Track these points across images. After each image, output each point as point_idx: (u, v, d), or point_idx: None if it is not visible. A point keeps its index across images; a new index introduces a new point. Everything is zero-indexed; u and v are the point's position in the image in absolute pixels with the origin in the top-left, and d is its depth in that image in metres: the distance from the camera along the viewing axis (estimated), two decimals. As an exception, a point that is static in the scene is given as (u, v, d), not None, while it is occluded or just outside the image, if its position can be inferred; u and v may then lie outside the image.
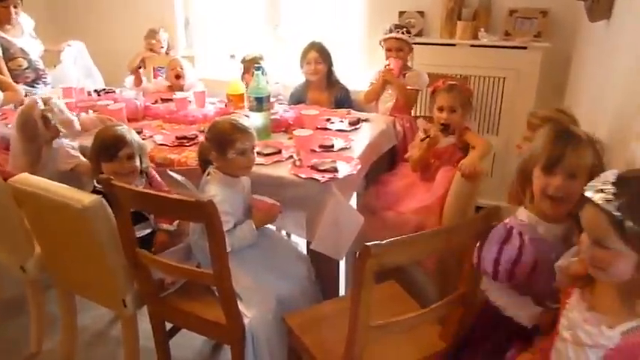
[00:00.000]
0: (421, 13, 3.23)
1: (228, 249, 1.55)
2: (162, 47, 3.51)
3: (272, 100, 2.34)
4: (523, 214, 1.31)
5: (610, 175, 0.97)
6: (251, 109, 2.24)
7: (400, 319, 1.31)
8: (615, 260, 0.93)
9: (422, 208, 2.09)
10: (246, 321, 1.61)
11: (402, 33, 2.67)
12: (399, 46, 2.67)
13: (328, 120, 2.49)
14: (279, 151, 2.09)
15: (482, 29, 3.00)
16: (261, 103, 2.21)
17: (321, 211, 1.84)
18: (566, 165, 1.23)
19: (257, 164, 1.89)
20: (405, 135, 2.65)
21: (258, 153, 2.00)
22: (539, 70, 2.87)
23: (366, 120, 2.53)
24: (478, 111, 3.05)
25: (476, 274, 1.36)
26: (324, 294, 1.92)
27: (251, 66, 2.46)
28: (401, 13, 3.25)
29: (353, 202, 2.22)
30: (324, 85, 2.82)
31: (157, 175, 1.98)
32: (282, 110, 2.47)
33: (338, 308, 1.62)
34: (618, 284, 0.97)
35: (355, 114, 2.60)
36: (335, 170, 1.92)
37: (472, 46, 3.01)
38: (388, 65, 2.68)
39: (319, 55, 2.76)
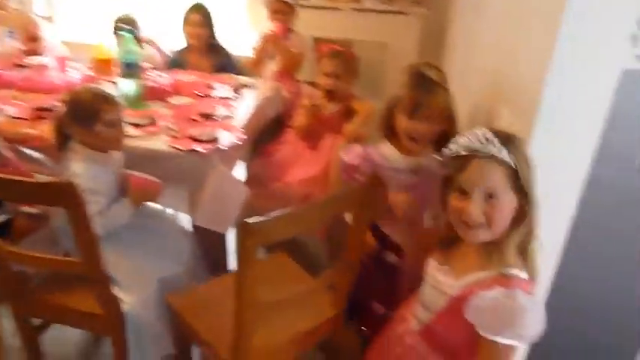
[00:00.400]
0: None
1: (100, 231, 1.41)
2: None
3: (146, 65, 2.14)
4: (385, 148, 1.52)
5: (486, 132, 1.01)
6: (122, 76, 2.02)
7: (289, 295, 1.28)
8: (503, 212, 0.99)
9: (308, 178, 2.06)
10: (125, 308, 1.48)
11: (286, -6, 2.56)
12: (282, 9, 2.57)
13: (209, 86, 2.35)
14: (154, 122, 1.93)
15: (365, -7, 2.99)
16: (131, 68, 2.01)
17: (203, 184, 1.74)
18: (425, 111, 1.40)
19: (130, 136, 1.73)
20: (292, 101, 2.58)
21: (131, 124, 1.83)
22: (418, 36, 2.94)
23: (249, 86, 2.42)
24: (362, 75, 3.06)
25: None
26: (213, 270, 1.84)
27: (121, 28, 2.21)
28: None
29: (240, 173, 2.14)
30: (206, 50, 2.66)
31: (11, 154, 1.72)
32: (156, 76, 2.28)
33: (226, 286, 1.54)
34: (481, 244, 1.04)
35: (238, 79, 2.48)
36: (216, 140, 1.81)
37: (355, 9, 2.99)
38: (271, 30, 2.57)
39: (201, 17, 2.59)
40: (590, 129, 1.17)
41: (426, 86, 1.42)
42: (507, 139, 1.00)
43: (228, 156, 1.83)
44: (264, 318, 1.26)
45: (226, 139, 1.83)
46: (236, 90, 2.35)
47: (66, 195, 1.20)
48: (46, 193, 1.23)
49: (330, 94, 2.20)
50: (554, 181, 1.14)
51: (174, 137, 1.83)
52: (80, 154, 1.54)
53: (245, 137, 1.87)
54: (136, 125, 1.86)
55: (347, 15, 3.01)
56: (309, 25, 2.84)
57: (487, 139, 0.99)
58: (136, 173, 1.69)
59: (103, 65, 2.28)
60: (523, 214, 1.00)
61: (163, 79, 2.26)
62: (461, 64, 2.22)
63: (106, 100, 1.54)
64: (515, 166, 0.98)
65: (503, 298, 0.96)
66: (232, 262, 2.09)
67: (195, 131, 1.86)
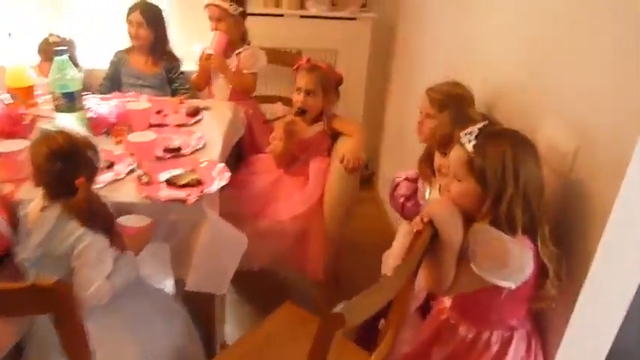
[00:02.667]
0: (237, -22, 2.82)
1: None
2: None
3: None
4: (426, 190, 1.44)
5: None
6: (59, 110, 1.62)
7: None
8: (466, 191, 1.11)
9: (303, 213, 1.81)
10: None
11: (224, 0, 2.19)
12: (218, 16, 2.19)
13: (159, 112, 1.99)
14: (111, 165, 1.56)
15: (311, -1, 2.76)
16: (72, 99, 1.62)
17: (192, 239, 1.42)
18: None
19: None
20: (250, 123, 2.29)
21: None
22: (369, 41, 2.79)
23: (205, 108, 2.10)
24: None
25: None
26: (203, 339, 1.52)
27: (51, 50, 1.77)
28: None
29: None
30: (148, 54, 2.34)
31: None
32: (95, 104, 1.87)
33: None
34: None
35: (191, 102, 2.16)
36: (199, 183, 1.50)
37: (301, 17, 2.76)
38: (209, 47, 2.21)
39: (143, 17, 2.24)
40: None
41: (463, 122, 1.25)
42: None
43: (213, 200, 1.52)
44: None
45: (210, 180, 1.52)
46: (192, 114, 2.02)
47: (56, 299, 0.85)
48: (29, 301, 0.87)
49: (301, 113, 1.95)
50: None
51: (145, 184, 1.48)
52: (70, 212, 1.19)
53: (229, 173, 1.57)
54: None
55: (293, 22, 2.76)
56: (253, 34, 2.55)
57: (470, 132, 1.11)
58: (121, 220, 1.35)
59: (23, 94, 1.83)
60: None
61: (104, 107, 1.86)
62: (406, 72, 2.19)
63: (92, 145, 1.27)
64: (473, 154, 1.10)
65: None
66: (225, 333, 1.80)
67: (167, 173, 1.52)
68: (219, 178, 1.53)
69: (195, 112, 2.03)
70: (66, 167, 1.18)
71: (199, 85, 2.34)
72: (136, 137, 1.63)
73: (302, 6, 2.78)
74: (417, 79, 2.36)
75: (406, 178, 1.51)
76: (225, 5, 2.19)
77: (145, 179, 1.49)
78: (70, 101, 1.60)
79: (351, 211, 1.85)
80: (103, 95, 2.10)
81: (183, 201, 1.41)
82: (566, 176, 1.15)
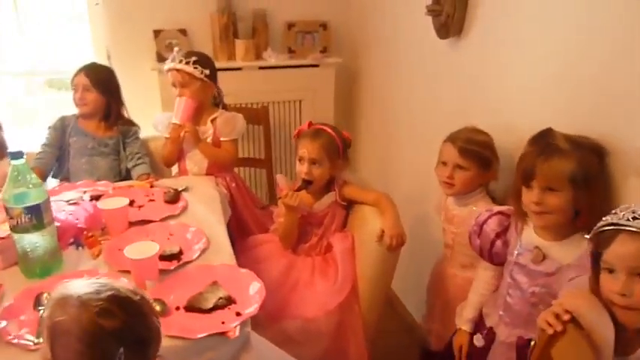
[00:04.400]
0: (183, 32, 2.53)
1: None
2: None
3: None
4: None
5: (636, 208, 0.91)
6: (23, 231, 1.23)
7: None
8: None
9: (338, 306, 1.54)
10: None
11: (187, 63, 1.91)
12: (182, 81, 1.92)
13: (132, 204, 1.65)
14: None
15: (268, 48, 2.53)
16: (40, 214, 1.24)
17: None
18: (540, 180, 1.17)
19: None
20: (233, 198, 2.00)
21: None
22: (334, 86, 2.62)
23: (185, 190, 1.79)
24: (277, 138, 2.63)
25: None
26: None
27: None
28: (157, 33, 2.48)
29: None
30: (102, 121, 2.06)
31: None
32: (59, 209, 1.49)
33: None
34: None
35: (163, 184, 1.84)
36: (231, 301, 1.19)
37: (260, 68, 2.52)
38: (175, 116, 1.92)
39: (89, 79, 1.98)
40: None
41: (547, 152, 1.17)
42: None
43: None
44: None
45: (243, 296, 1.22)
46: (172, 200, 1.70)
47: None
48: None
49: (306, 184, 1.69)
50: None
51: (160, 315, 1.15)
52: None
53: (260, 284, 1.27)
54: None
55: (252, 75, 2.52)
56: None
57: (635, 216, 0.89)
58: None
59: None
60: None
61: (71, 209, 1.49)
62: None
63: None
64: None
65: None
66: None
67: (184, 296, 1.20)
68: (255, 293, 1.23)
69: (176, 199, 1.71)
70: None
71: (170, 161, 2.04)
72: (133, 252, 1.25)
73: (258, 56, 2.55)
74: (397, 121, 2.30)
75: (499, 212, 1.34)
76: (189, 69, 1.91)
77: (159, 308, 1.16)
78: (37, 218, 1.23)
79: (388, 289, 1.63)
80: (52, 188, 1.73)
81: (223, 333, 1.10)
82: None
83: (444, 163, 1.51)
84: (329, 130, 1.69)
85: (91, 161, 2.00)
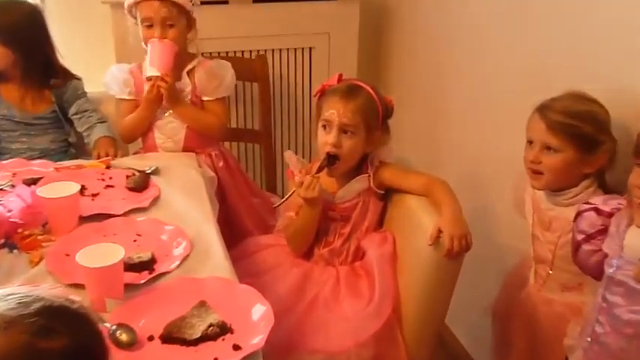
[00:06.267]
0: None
1: None
2: None
3: None
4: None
5: None
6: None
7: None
8: None
9: (373, 337, 1.22)
10: None
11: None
12: (168, 16, 1.45)
13: (83, 191, 1.28)
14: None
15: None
16: None
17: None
18: None
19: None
20: (221, 182, 1.58)
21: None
22: (357, 28, 2.04)
23: (154, 173, 1.37)
24: (279, 101, 2.08)
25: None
26: None
27: None
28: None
29: None
30: (27, 89, 1.60)
31: None
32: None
33: None
34: None
35: (123, 163, 1.43)
36: (226, 330, 0.92)
37: (255, 1, 1.93)
38: (151, 66, 1.46)
39: None
40: None
41: None
42: None
43: None
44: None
45: (241, 321, 0.93)
46: (140, 188, 1.31)
47: None
48: None
49: (331, 161, 1.31)
50: None
51: None
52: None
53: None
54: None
55: (244, 11, 1.92)
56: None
57: None
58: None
59: None
60: None
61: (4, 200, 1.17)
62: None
63: None
64: None
65: None
66: None
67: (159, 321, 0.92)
68: (259, 319, 0.95)
69: (143, 185, 1.32)
70: None
71: (136, 133, 1.57)
72: (87, 257, 0.92)
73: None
74: (451, 80, 1.83)
75: (596, 209, 1.09)
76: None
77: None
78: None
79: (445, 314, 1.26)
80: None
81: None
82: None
83: (530, 142, 1.25)
84: (368, 89, 1.34)
85: (28, 142, 1.61)
